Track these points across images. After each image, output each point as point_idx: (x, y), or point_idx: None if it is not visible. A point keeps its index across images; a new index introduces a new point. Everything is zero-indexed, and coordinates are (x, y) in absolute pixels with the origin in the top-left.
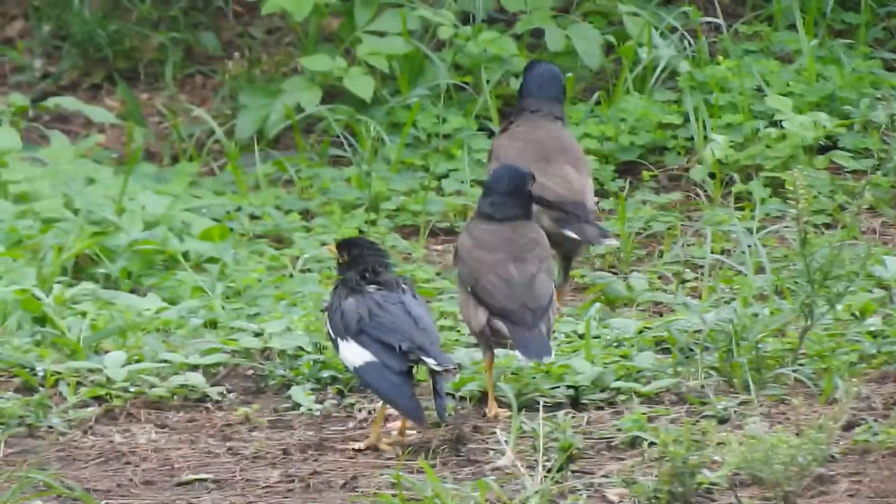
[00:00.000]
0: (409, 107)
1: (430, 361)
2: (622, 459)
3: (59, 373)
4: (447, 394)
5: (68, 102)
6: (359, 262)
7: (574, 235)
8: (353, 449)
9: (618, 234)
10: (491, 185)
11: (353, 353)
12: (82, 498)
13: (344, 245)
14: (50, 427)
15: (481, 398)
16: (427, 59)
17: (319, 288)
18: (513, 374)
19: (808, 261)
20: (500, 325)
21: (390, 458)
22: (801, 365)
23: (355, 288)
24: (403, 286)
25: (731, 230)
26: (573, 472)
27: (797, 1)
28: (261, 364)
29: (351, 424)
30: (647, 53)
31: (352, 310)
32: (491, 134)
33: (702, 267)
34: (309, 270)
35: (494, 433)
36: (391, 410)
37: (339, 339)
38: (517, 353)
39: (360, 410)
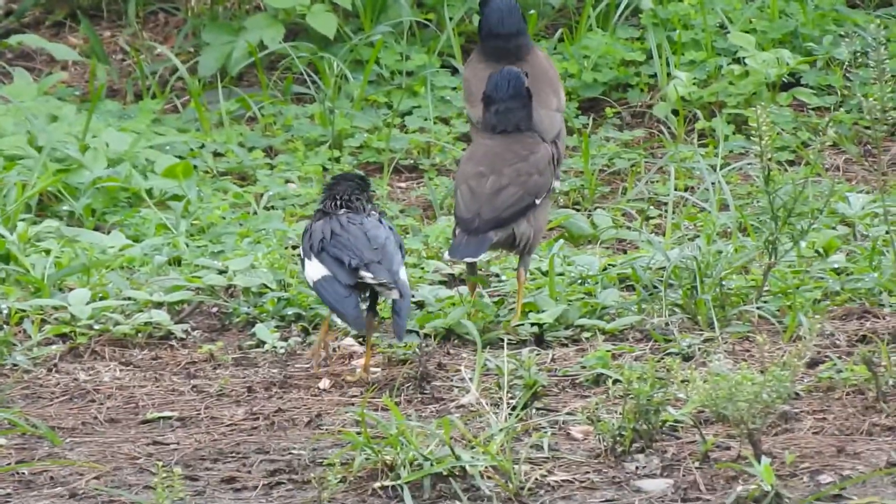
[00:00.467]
0: (373, 44)
1: (367, 275)
2: (586, 397)
3: (23, 310)
4: (412, 330)
5: (31, 40)
6: (334, 188)
7: None
8: (318, 388)
9: (582, 171)
10: (491, 92)
11: (314, 270)
12: (47, 435)
13: (332, 178)
14: (14, 365)
15: (445, 335)
16: None
17: (283, 225)
18: (478, 311)
19: (772, 198)
20: (457, 232)
21: (355, 396)
22: (764, 302)
23: (326, 211)
24: (372, 212)
25: (694, 167)
26: (538, 409)
27: None
28: (225, 301)
29: (314, 362)
30: None
31: (318, 230)
32: (454, 71)
33: (665, 204)
34: (273, 208)
35: (459, 371)
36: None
37: (304, 258)
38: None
39: (324, 348)
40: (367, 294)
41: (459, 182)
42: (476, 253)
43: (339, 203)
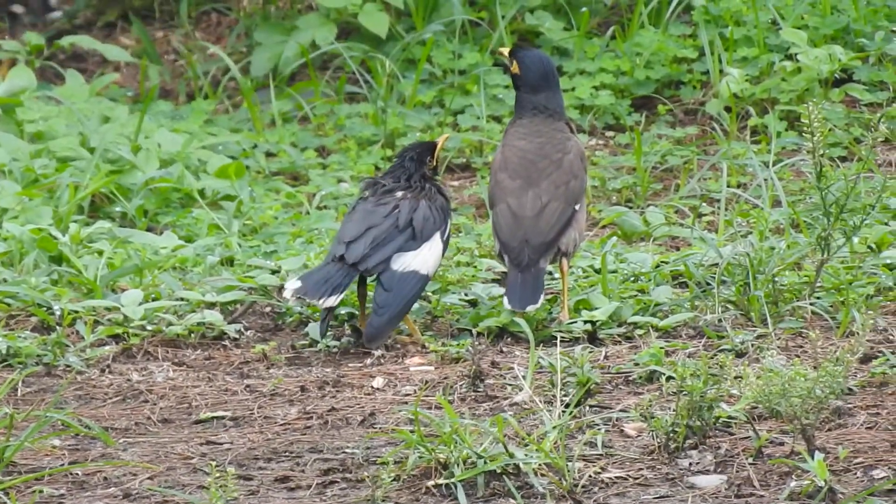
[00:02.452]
0: (425, 43)
1: (288, 287)
2: (640, 394)
3: (76, 312)
4: (465, 329)
5: (83, 41)
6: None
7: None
8: (371, 386)
9: (634, 169)
10: (524, 73)
11: None
12: (100, 436)
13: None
14: (67, 366)
15: (499, 333)
16: None
17: (336, 225)
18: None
19: (824, 194)
20: (504, 258)
21: (408, 395)
22: (817, 298)
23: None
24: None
25: (747, 164)
26: (591, 406)
27: None
28: (278, 301)
29: (368, 361)
30: None
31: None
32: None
33: (718, 201)
34: (325, 207)
35: (512, 368)
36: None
37: None
38: (504, 297)
39: (377, 347)
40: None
41: (497, 197)
42: (536, 298)
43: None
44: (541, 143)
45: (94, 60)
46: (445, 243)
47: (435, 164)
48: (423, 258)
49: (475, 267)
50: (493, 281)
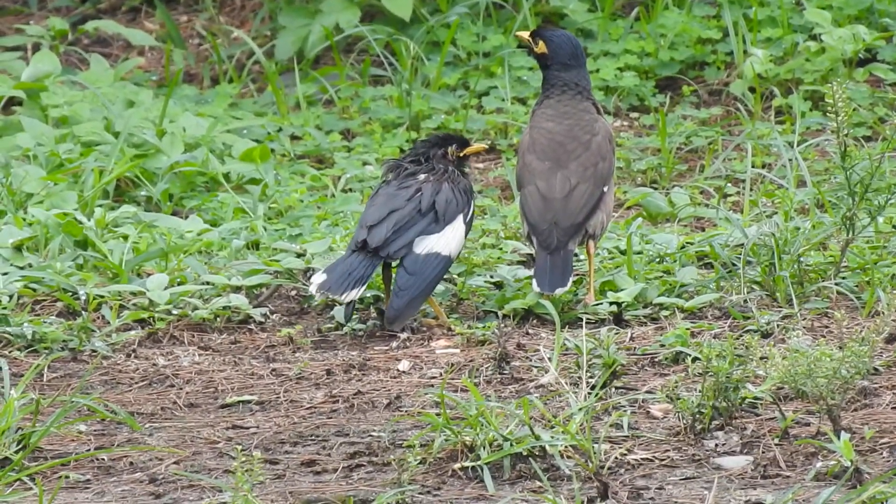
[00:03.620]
0: (449, 25)
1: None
2: (666, 375)
3: (101, 296)
4: (491, 311)
5: (108, 26)
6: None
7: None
8: (397, 369)
9: (659, 150)
10: (554, 51)
11: None
12: (126, 421)
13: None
14: (93, 351)
15: (524, 315)
16: None
17: (361, 207)
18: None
19: (849, 173)
20: (533, 241)
21: (434, 378)
22: (843, 278)
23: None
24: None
25: (771, 144)
26: (617, 388)
27: None
28: (304, 285)
29: (394, 344)
30: None
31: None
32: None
33: (743, 181)
34: (350, 190)
35: (538, 351)
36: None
37: None
38: (532, 280)
39: (402, 330)
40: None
41: (526, 179)
42: (565, 281)
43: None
44: (569, 125)
45: (119, 45)
46: (468, 225)
47: (460, 156)
48: (445, 240)
49: (501, 249)
50: (519, 263)
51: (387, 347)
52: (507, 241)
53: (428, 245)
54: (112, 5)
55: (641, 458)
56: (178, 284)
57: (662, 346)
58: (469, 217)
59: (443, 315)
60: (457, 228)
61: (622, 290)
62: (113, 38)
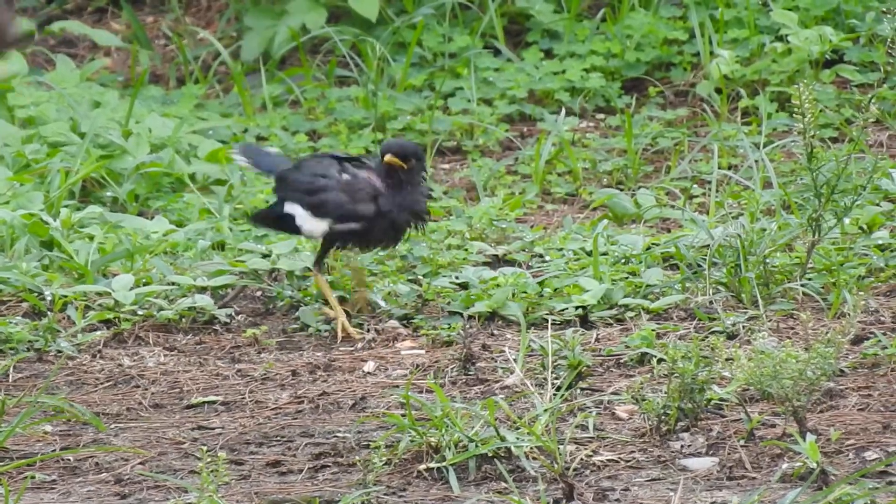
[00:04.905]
0: (415, 26)
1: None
2: (631, 376)
3: (67, 297)
4: (456, 312)
5: (74, 26)
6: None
7: None
8: (362, 370)
9: (625, 151)
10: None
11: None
12: (92, 421)
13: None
14: (59, 351)
15: (490, 316)
16: None
17: None
18: (522, 292)
19: (816, 175)
20: None
21: (399, 379)
22: (809, 279)
23: None
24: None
25: (738, 145)
26: (582, 389)
27: None
28: (269, 285)
29: (359, 345)
30: None
31: None
32: (497, 52)
33: (709, 182)
34: None
35: (503, 352)
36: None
37: None
38: None
39: (367, 330)
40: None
41: None
42: None
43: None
44: None
45: (85, 46)
46: (339, 236)
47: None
48: (313, 224)
49: (466, 250)
50: (484, 264)
51: (352, 348)
52: (472, 243)
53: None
54: (78, 6)
55: (607, 460)
56: (144, 285)
57: (628, 347)
58: (346, 227)
59: (333, 301)
60: (320, 225)
61: (587, 291)
62: (79, 38)
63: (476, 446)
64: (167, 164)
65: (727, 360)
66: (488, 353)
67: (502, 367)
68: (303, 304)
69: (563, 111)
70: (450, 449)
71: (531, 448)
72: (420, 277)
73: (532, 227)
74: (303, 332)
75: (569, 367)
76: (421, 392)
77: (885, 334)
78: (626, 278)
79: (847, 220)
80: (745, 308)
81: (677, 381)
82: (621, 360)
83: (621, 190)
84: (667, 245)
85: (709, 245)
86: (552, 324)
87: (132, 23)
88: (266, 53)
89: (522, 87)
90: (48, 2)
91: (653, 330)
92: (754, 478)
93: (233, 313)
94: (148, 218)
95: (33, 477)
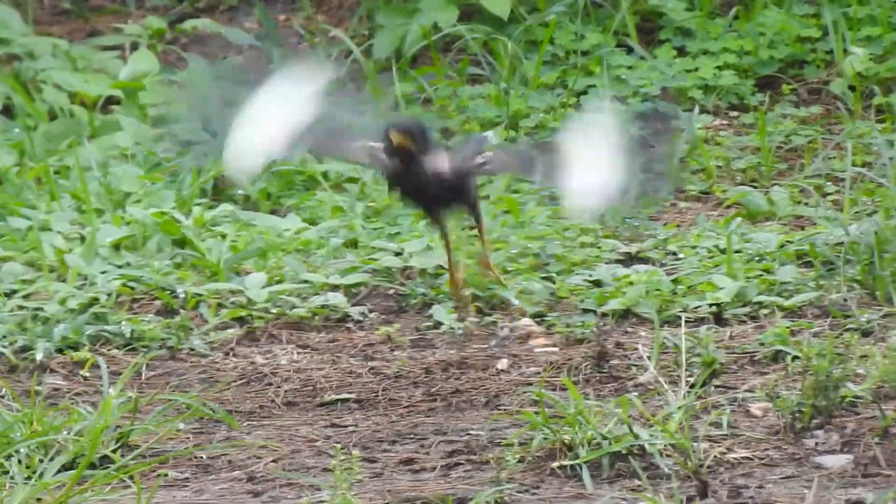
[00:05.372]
0: (547, 24)
1: None
2: (765, 374)
3: (199, 295)
4: (589, 310)
5: (206, 24)
6: None
7: None
8: (496, 368)
9: (758, 149)
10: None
11: None
12: (225, 419)
13: None
14: (191, 349)
15: (623, 314)
16: None
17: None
18: (656, 290)
19: None
20: None
21: (532, 376)
22: None
23: None
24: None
25: (872, 142)
26: (716, 387)
27: None
28: (402, 283)
29: (493, 342)
30: None
31: None
32: (630, 50)
33: (843, 180)
34: None
35: (637, 349)
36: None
37: None
38: None
39: (501, 328)
40: None
41: None
42: None
43: None
44: None
45: (217, 44)
46: None
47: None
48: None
49: (599, 248)
50: (617, 262)
51: (485, 346)
52: (605, 240)
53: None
54: (210, 4)
55: (741, 457)
56: (277, 283)
57: (762, 344)
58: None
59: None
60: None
61: (721, 288)
62: (211, 36)
63: (609, 444)
64: (299, 163)
65: (862, 357)
66: (622, 351)
67: (636, 365)
68: (435, 301)
69: (696, 109)
70: (583, 446)
71: (665, 446)
72: (553, 275)
73: (665, 224)
74: (436, 330)
75: (702, 364)
76: (554, 389)
77: None
78: (760, 276)
79: None
80: (880, 305)
81: (811, 378)
82: (755, 358)
83: (755, 187)
84: (801, 242)
85: (843, 242)
86: (686, 321)
87: (264, 21)
88: (398, 51)
89: (655, 84)
90: (180, 0)
91: (787, 327)
92: (889, 475)
93: (366, 311)
94: (280, 216)
95: (166, 475)
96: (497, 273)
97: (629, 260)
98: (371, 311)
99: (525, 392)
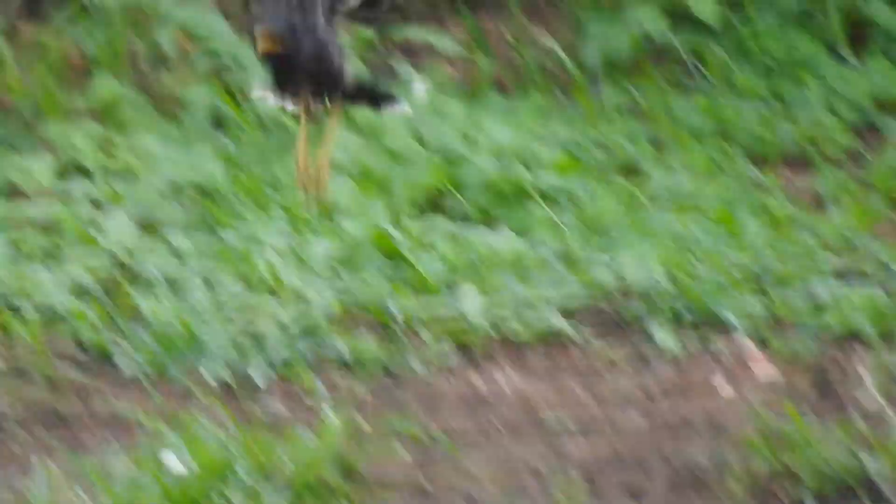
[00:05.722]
0: (758, 33)
1: None
2: None
3: (415, 314)
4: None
5: (415, 33)
6: None
7: None
8: (717, 392)
9: None
10: None
11: None
12: (444, 444)
13: None
14: (410, 369)
15: (845, 336)
16: None
17: (673, 218)
18: (877, 310)
19: None
20: None
21: (754, 401)
22: None
23: None
24: None
25: None
26: None
27: None
28: (619, 301)
29: (713, 364)
30: None
31: None
32: (841, 59)
33: None
34: (661, 201)
35: (859, 372)
36: None
37: None
38: None
39: (722, 354)
40: None
41: None
42: None
43: None
44: None
45: (426, 53)
46: None
47: None
48: None
49: (816, 263)
50: (836, 278)
51: (705, 368)
52: (823, 255)
53: None
54: (418, 13)
55: None
56: (492, 300)
57: None
58: None
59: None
60: None
61: None
62: (420, 46)
63: (834, 471)
64: (511, 174)
65: None
66: (841, 374)
67: (859, 389)
68: (654, 321)
69: None
70: (808, 473)
71: (893, 473)
72: (769, 291)
73: (883, 239)
74: (655, 352)
75: None
76: (776, 414)
77: None
78: None
79: None
80: None
81: None
82: None
83: None
84: None
85: None
86: None
87: (472, 29)
88: (607, 60)
89: (867, 95)
90: (388, 10)
91: None
92: None
93: (583, 330)
94: (492, 229)
95: (386, 499)
96: (325, 181)
97: (848, 276)
98: (588, 331)
99: (748, 417)
